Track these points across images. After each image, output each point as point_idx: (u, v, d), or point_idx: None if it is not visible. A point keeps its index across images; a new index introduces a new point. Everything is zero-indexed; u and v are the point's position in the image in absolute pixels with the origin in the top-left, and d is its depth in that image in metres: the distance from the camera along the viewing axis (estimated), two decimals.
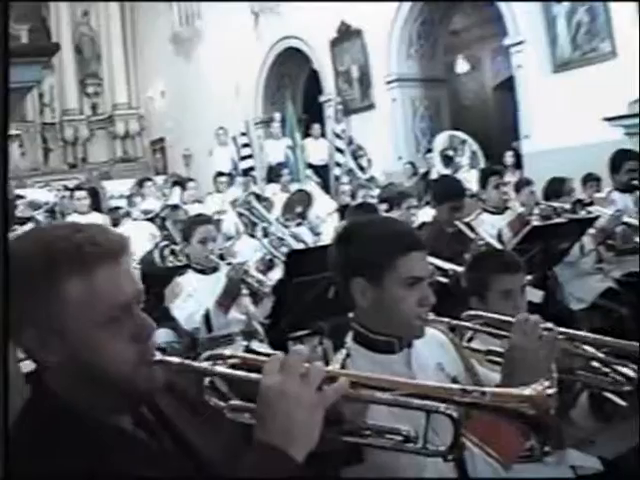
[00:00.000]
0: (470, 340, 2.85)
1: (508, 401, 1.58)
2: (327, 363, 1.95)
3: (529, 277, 3.47)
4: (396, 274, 2.31)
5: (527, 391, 1.57)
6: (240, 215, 8.94)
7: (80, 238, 1.56)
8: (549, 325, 2.33)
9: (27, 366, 5.74)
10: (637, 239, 6.36)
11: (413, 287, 2.32)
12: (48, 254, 1.54)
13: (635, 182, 6.75)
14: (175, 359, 1.67)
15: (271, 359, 1.58)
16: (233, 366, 1.68)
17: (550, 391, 1.57)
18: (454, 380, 2.41)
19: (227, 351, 1.74)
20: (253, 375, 1.59)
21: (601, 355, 2.41)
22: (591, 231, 6.21)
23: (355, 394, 1.60)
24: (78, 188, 12.35)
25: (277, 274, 6.32)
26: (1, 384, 1.59)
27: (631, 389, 2.40)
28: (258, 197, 9.98)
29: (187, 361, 1.68)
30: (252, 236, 8.15)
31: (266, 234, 7.87)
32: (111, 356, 1.56)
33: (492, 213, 6.66)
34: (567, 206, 6.64)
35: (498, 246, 5.76)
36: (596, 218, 6.24)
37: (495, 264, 3.36)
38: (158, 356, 1.65)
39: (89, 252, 1.55)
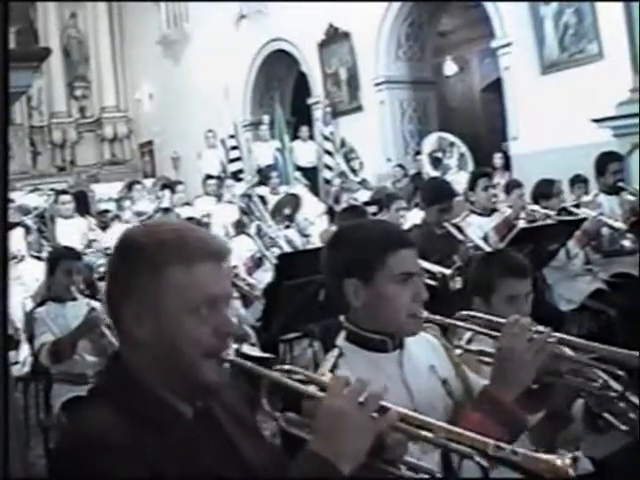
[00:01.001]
0: (469, 342, 2.85)
1: (538, 467, 1.63)
2: (317, 365, 1.99)
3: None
4: (387, 271, 2.34)
5: (558, 462, 1.62)
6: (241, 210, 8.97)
7: (189, 235, 1.81)
8: (540, 328, 2.34)
9: (18, 370, 5.72)
10: (623, 241, 6.39)
11: (405, 283, 2.36)
12: (159, 242, 1.76)
13: (620, 184, 6.78)
14: (249, 363, 1.82)
15: (337, 381, 1.73)
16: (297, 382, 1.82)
17: (571, 471, 1.62)
18: (444, 382, 2.44)
19: (287, 367, 1.89)
20: (319, 393, 1.74)
21: (590, 361, 2.41)
22: (576, 234, 6.22)
23: (402, 427, 1.72)
24: (63, 192, 12.31)
25: (266, 273, 6.32)
26: (1, 384, 1.61)
27: (629, 408, 2.42)
28: (260, 198, 9.99)
29: (260, 367, 1.82)
30: (245, 233, 8.12)
31: (259, 232, 7.87)
32: (192, 341, 1.73)
33: (480, 215, 6.67)
34: (552, 213, 6.65)
35: (487, 248, 5.77)
36: (583, 220, 6.26)
37: (503, 267, 3.30)
38: (232, 357, 1.81)
39: (194, 247, 1.77)
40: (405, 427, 1.72)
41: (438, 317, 2.47)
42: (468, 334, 2.73)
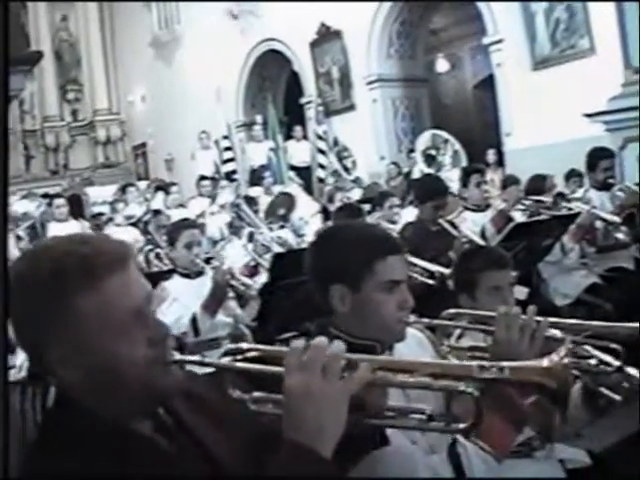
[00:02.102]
0: (460, 338, 2.86)
1: (527, 374, 1.59)
2: None
3: (514, 273, 3.48)
4: (375, 279, 2.31)
5: (545, 362, 1.58)
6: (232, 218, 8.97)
7: (86, 250, 1.57)
8: (524, 317, 2.34)
9: (15, 374, 5.72)
10: (617, 235, 6.39)
11: (392, 291, 2.32)
12: (56, 271, 1.55)
13: (611, 180, 6.80)
14: (194, 357, 1.72)
15: (290, 353, 1.58)
16: (252, 359, 1.71)
17: (566, 360, 1.58)
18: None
19: (245, 345, 1.75)
20: (274, 368, 1.61)
21: (584, 339, 2.42)
22: (570, 229, 6.24)
23: (377, 379, 1.62)
24: (57, 196, 12.31)
25: (261, 279, 6.32)
26: (1, 385, 1.60)
27: (623, 378, 2.42)
28: (249, 200, 9.97)
29: (207, 359, 1.72)
30: (249, 239, 8.13)
31: (251, 239, 7.87)
32: (129, 361, 1.58)
33: (474, 211, 6.68)
34: (549, 199, 6.67)
35: (481, 243, 5.78)
36: (577, 214, 6.27)
37: (483, 261, 3.35)
38: (176, 356, 1.67)
39: (96, 263, 1.56)
40: (382, 378, 1.63)
41: (425, 320, 2.48)
42: (458, 330, 2.74)
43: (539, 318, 2.33)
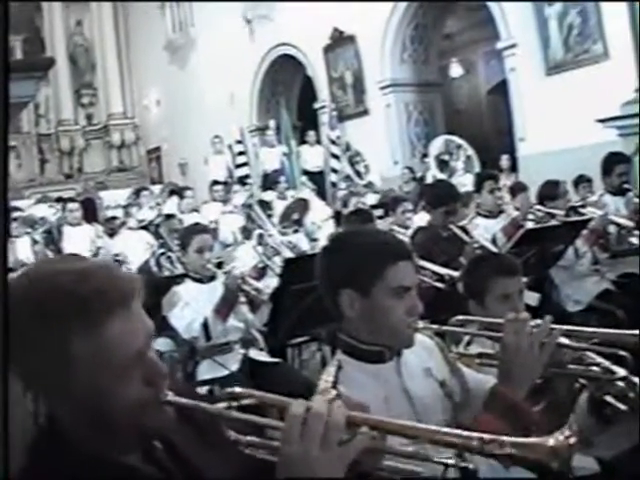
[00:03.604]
0: (469, 344, 2.85)
1: (530, 452, 1.52)
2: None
3: (525, 279, 3.47)
4: (384, 284, 2.31)
5: (550, 442, 1.51)
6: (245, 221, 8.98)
7: (86, 290, 1.47)
8: (539, 322, 2.34)
9: None
10: (631, 240, 6.37)
11: (402, 297, 2.33)
12: (53, 309, 1.46)
13: (626, 185, 6.78)
14: (188, 401, 1.64)
15: (290, 420, 1.52)
16: (247, 407, 1.65)
17: (572, 440, 1.51)
18: (442, 384, 2.43)
19: (239, 389, 1.68)
20: (272, 422, 1.58)
21: (591, 346, 2.41)
22: (583, 233, 6.22)
23: (375, 445, 1.58)
24: (71, 200, 12.35)
25: (269, 282, 6.32)
26: (1, 385, 1.60)
27: (628, 388, 2.41)
28: (264, 204, 9.96)
29: (201, 404, 1.64)
30: (258, 243, 8.12)
31: (261, 242, 7.86)
32: (122, 401, 1.52)
33: (486, 217, 6.66)
34: (561, 212, 6.65)
35: (493, 249, 5.77)
36: (589, 220, 6.25)
37: (493, 267, 3.32)
38: (170, 396, 1.60)
39: (96, 306, 1.47)
40: (380, 445, 1.60)
41: (434, 326, 2.47)
42: (467, 337, 2.74)
43: (553, 325, 2.33)
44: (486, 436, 1.54)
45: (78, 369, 1.47)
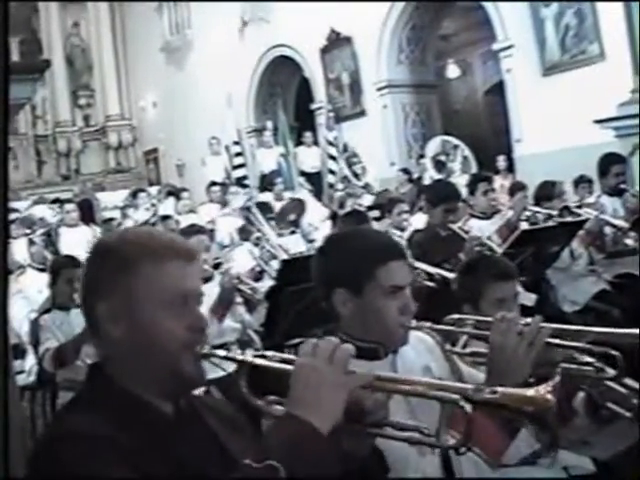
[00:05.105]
0: (465, 346, 2.86)
1: (514, 400, 1.67)
2: None
3: (521, 278, 3.47)
4: (376, 284, 2.36)
5: (529, 392, 1.66)
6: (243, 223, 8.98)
7: (162, 236, 1.89)
8: (528, 320, 2.34)
9: (25, 379, 5.73)
10: (626, 241, 6.39)
11: (394, 296, 2.37)
12: (132, 242, 1.83)
13: (623, 185, 6.79)
14: (221, 351, 1.85)
15: (306, 343, 1.73)
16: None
17: (550, 396, 1.65)
18: None
19: (266, 352, 1.87)
20: (290, 367, 1.73)
21: (582, 345, 2.41)
22: (579, 234, 6.23)
23: (378, 385, 1.73)
24: (68, 201, 12.35)
25: (265, 285, 6.32)
26: (1, 386, 1.62)
27: (615, 379, 2.42)
28: (264, 206, 9.95)
29: (231, 353, 1.85)
30: (254, 244, 8.10)
31: (257, 244, 7.86)
32: (168, 335, 1.76)
33: (480, 218, 6.67)
34: (554, 212, 6.66)
35: (493, 246, 5.77)
36: (585, 221, 6.26)
37: (488, 272, 3.32)
38: (206, 349, 1.83)
39: (163, 245, 1.82)
40: (381, 384, 1.74)
41: (428, 324, 2.49)
42: (464, 338, 2.75)
43: (543, 324, 2.33)
44: (481, 385, 1.71)
45: (139, 291, 1.77)
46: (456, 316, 2.68)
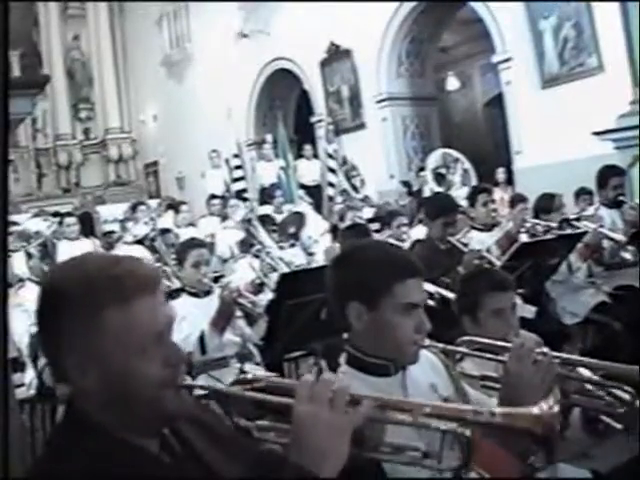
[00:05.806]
0: (460, 360, 2.86)
1: (517, 421, 1.65)
2: None
3: (520, 290, 3.48)
4: (393, 300, 2.33)
5: (535, 410, 1.64)
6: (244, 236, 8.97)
7: (119, 270, 1.67)
8: (545, 350, 2.35)
9: (24, 392, 5.73)
10: (624, 255, 6.39)
11: (409, 313, 2.34)
12: (89, 285, 1.64)
13: (621, 198, 6.79)
14: (204, 384, 1.84)
15: (301, 385, 1.69)
16: (259, 389, 1.81)
17: (556, 409, 1.64)
18: (446, 401, 2.41)
19: (250, 375, 1.86)
20: (280, 399, 1.72)
21: (596, 378, 2.42)
22: (578, 247, 6.23)
23: (378, 416, 1.72)
24: (68, 214, 12.34)
25: (266, 298, 6.31)
26: (1, 386, 1.62)
27: (626, 410, 2.41)
28: (265, 219, 9.93)
29: (218, 385, 1.84)
30: (255, 256, 8.08)
31: (258, 257, 7.85)
32: (144, 380, 1.66)
33: (480, 230, 6.68)
34: (554, 225, 6.66)
35: (492, 259, 5.78)
36: (584, 234, 6.26)
37: (486, 283, 3.35)
38: (187, 381, 1.78)
39: (128, 284, 1.65)
40: (381, 415, 1.73)
41: (440, 345, 2.48)
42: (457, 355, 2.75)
43: (546, 350, 2.34)
44: (479, 408, 1.69)
45: (106, 339, 1.63)
46: (467, 338, 2.68)
